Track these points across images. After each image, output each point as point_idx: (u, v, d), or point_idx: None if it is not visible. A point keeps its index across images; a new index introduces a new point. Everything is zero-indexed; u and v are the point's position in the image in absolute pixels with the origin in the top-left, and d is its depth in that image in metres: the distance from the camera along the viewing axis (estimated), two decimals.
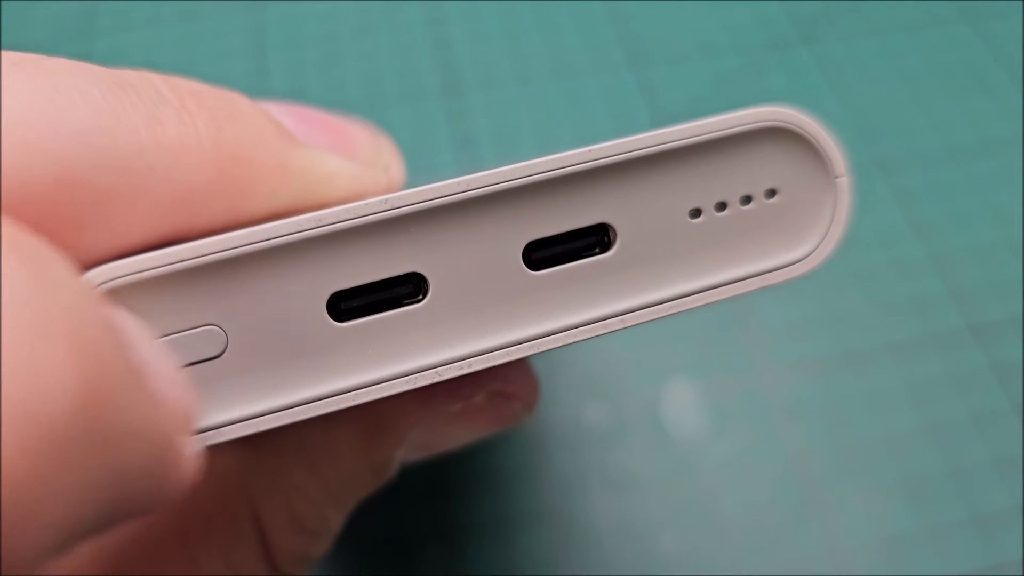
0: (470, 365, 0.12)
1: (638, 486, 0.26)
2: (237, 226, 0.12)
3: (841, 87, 0.35)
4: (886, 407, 0.28)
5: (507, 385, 0.17)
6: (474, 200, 0.12)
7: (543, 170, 0.12)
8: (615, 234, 0.13)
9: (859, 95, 0.34)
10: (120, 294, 0.11)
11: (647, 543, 0.25)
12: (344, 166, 0.14)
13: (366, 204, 0.11)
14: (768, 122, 0.13)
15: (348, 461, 0.15)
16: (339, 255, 0.12)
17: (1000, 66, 0.35)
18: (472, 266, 0.12)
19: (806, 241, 0.13)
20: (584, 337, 0.13)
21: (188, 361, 0.11)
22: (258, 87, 0.34)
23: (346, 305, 0.12)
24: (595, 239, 0.13)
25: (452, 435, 0.17)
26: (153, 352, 0.10)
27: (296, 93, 0.34)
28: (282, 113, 0.14)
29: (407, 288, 0.12)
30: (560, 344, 0.13)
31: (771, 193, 0.13)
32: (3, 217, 0.08)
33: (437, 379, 0.12)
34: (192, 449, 0.11)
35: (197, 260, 0.11)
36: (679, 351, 0.29)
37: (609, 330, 0.13)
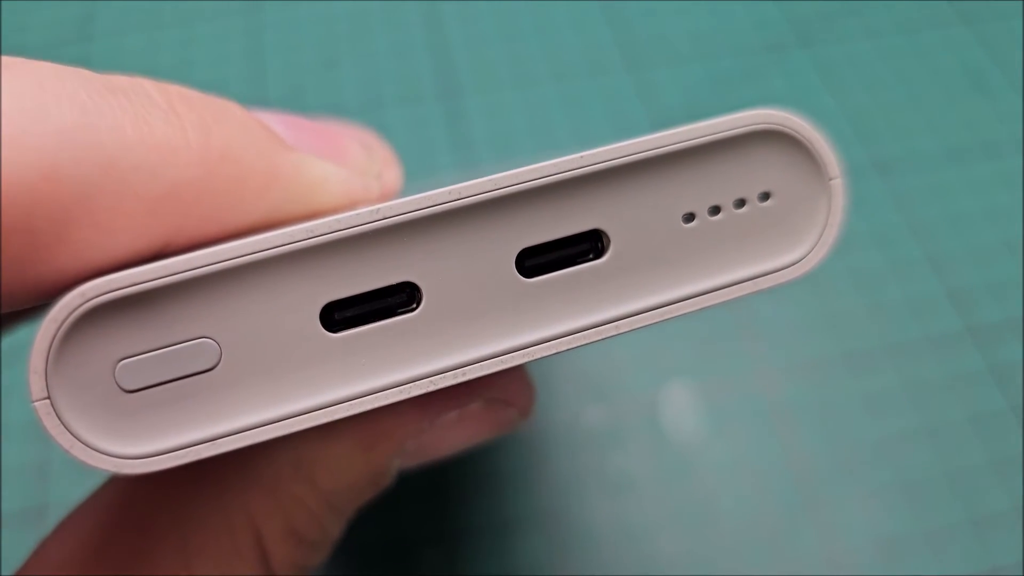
0: (464, 374, 0.12)
1: (636, 488, 0.26)
2: (228, 234, 0.12)
3: (839, 89, 0.35)
4: (884, 408, 0.28)
5: (503, 392, 0.17)
6: (466, 208, 0.12)
7: (534, 177, 0.12)
8: (608, 240, 0.13)
9: (857, 97, 0.34)
10: (112, 308, 0.11)
11: (645, 545, 0.25)
12: (334, 171, 0.14)
13: (357, 214, 0.11)
14: (760, 125, 0.13)
15: (345, 471, 0.15)
16: (332, 266, 0.12)
17: (998, 68, 0.35)
18: (465, 274, 0.12)
19: (801, 244, 0.13)
20: (579, 344, 0.13)
21: (181, 374, 0.11)
22: (256, 89, 0.35)
23: (339, 315, 0.12)
24: (588, 245, 0.13)
25: (448, 442, 0.17)
26: None
27: (294, 95, 0.34)
28: (273, 121, 0.14)
29: (400, 297, 0.12)
30: (555, 351, 0.12)
31: (765, 196, 0.13)
32: None
33: (432, 388, 0.12)
34: None
35: (189, 273, 0.11)
36: (677, 353, 0.28)
37: (603, 336, 0.13)
